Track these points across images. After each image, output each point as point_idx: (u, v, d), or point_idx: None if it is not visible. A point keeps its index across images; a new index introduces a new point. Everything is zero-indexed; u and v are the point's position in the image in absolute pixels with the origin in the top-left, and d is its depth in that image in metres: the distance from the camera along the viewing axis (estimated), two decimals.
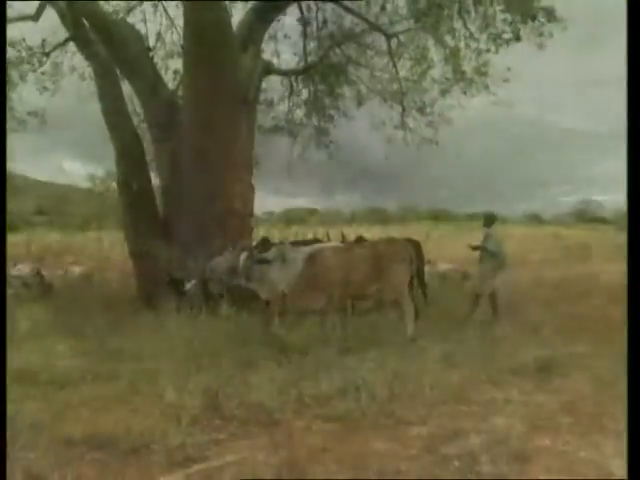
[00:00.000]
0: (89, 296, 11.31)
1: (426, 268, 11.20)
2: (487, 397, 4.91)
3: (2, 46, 6.75)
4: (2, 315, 4.99)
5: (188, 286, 8.95)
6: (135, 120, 12.35)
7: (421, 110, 14.71)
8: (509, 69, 12.31)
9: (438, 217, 50.89)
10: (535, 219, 62.99)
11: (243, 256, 8.43)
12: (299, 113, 15.89)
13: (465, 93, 13.19)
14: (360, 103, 14.91)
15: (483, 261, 9.10)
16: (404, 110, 14.88)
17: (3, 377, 4.25)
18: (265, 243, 10.00)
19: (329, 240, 10.26)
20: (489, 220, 9.41)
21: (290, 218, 51.92)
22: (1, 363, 4.26)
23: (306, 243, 10.12)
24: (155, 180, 11.67)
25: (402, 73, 14.29)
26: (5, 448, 3.66)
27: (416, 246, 8.57)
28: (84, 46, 11.22)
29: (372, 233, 33.89)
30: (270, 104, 15.49)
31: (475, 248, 9.22)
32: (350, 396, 4.86)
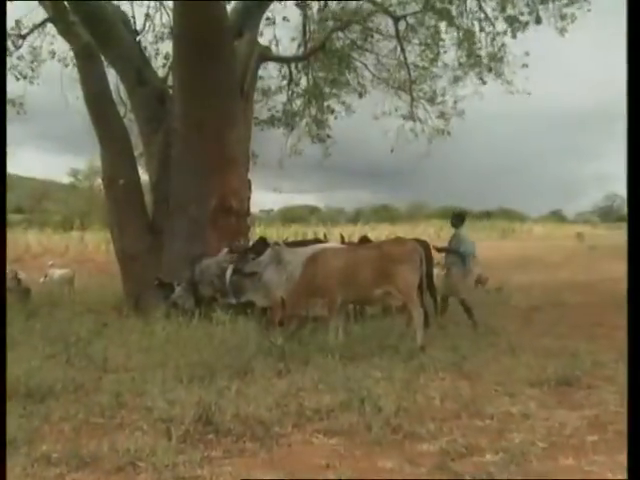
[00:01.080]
0: (71, 301, 11.35)
1: (435, 270, 11.21)
2: (503, 410, 4.91)
3: (2, 46, 6.92)
4: (2, 315, 5.39)
5: (178, 290, 8.97)
6: (121, 110, 12.39)
7: (431, 99, 14.77)
8: (527, 54, 12.31)
9: (449, 215, 50.79)
10: (557, 217, 63.01)
11: (229, 271, 8.46)
12: (298, 103, 15.92)
13: (480, 80, 13.18)
14: (365, 91, 14.92)
15: (451, 264, 9.05)
16: (413, 99, 14.93)
17: (3, 377, 4.40)
18: (261, 244, 10.03)
19: (327, 241, 10.27)
20: (458, 219, 9.43)
21: (289, 216, 52.06)
22: (1, 364, 4.41)
23: (304, 243, 10.14)
24: (143, 175, 11.70)
25: (411, 59, 14.33)
26: (5, 448, 3.73)
27: (425, 247, 8.58)
28: (64, 28, 11.19)
29: (378, 233, 34.04)
30: (266, 94, 15.52)
31: (440, 250, 9.20)
32: (354, 409, 4.85)
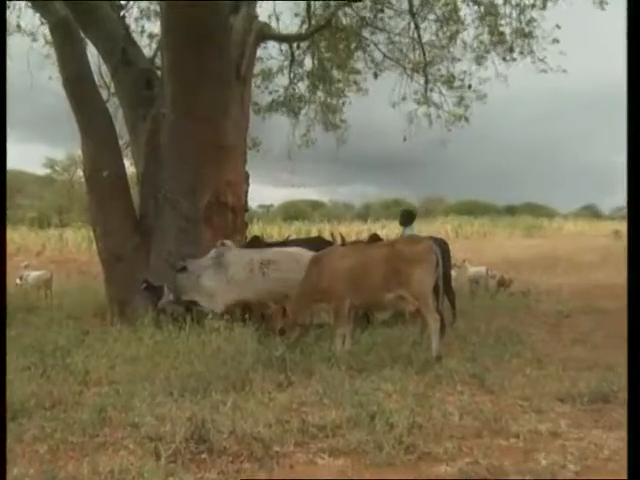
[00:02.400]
0: (48, 306, 11.38)
1: (453, 272, 11.21)
2: (529, 429, 4.89)
3: (2, 46, 7.18)
4: (2, 316, 5.70)
5: (168, 293, 8.98)
6: (104, 94, 12.40)
7: (449, 82, 14.72)
8: (558, 27, 12.16)
9: (470, 210, 50.74)
10: (591, 213, 62.78)
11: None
12: (302, 87, 15.93)
13: (505, 59, 13.09)
14: (376, 75, 14.91)
15: None
16: (428, 82, 14.90)
17: (3, 377, 4.54)
18: (255, 243, 10.06)
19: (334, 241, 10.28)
20: (407, 218, 9.44)
21: (291, 213, 52.08)
22: (1, 365, 4.56)
23: (285, 243, 10.23)
24: (129, 167, 11.71)
25: (426, 38, 14.29)
26: (5, 448, 3.91)
27: (442, 246, 8.58)
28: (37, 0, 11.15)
29: (389, 231, 33.98)
30: (267, 76, 15.53)
31: None
32: (363, 425, 4.85)
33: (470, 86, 14.19)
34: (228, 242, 9.04)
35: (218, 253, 8.84)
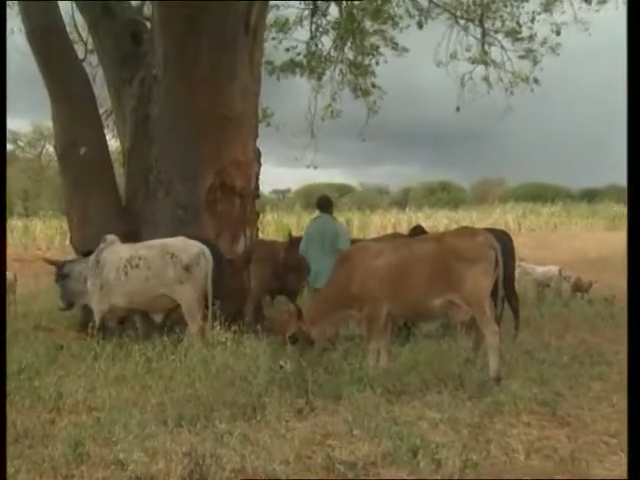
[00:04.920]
0: (12, 314, 11.46)
1: (517, 273, 11.12)
2: (617, 473, 4.86)
3: (2, 46, 7.39)
4: (2, 316, 6.35)
5: None
6: (80, 52, 12.44)
7: (513, 33, 14.51)
8: None
9: (537, 196, 50.20)
10: None
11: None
12: (326, 42, 15.86)
13: (586, 1, 12.81)
14: (420, 24, 14.78)
15: None
16: (485, 35, 14.74)
17: (3, 377, 4.88)
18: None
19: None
20: (324, 205, 9.52)
21: (312, 199, 51.91)
22: (1, 363, 4.88)
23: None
24: (113, 142, 11.74)
25: None
26: (5, 447, 4.19)
27: (503, 239, 8.51)
28: None
29: (436, 221, 33.79)
30: (284, 29, 15.50)
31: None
32: (403, 462, 4.86)
33: (532, 35, 13.96)
34: (110, 236, 9.01)
35: (98, 250, 8.96)
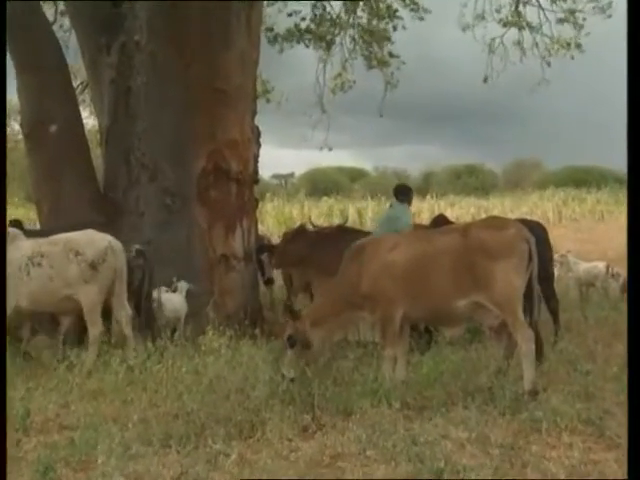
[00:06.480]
0: None
1: (556, 270, 11.06)
2: None
3: (2, 47, 7.45)
4: (2, 317, 6.86)
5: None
6: (50, 14, 12.37)
7: None
8: None
9: (580, 181, 49.99)
10: None
11: None
12: (335, 5, 15.79)
13: None
14: None
15: None
16: None
17: (3, 377, 5.09)
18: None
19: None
20: (401, 193, 9.97)
21: (319, 184, 52.02)
22: (1, 360, 5.26)
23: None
24: (89, 119, 11.69)
25: None
26: (5, 447, 4.39)
27: (538, 232, 8.47)
28: None
29: (462, 210, 33.73)
30: None
31: None
32: None
33: None
34: (12, 230, 8.93)
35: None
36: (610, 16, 13.84)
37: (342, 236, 9.56)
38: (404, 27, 15.47)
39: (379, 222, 10.02)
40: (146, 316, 8.97)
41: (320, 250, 9.77)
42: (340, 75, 16.23)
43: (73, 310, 8.66)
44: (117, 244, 8.63)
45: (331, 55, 16.16)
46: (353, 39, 16.00)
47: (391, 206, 10.17)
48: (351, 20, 15.79)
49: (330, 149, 18.12)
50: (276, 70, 16.00)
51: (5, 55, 7.57)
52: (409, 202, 10.03)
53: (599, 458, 5.51)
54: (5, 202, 6.73)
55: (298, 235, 10.45)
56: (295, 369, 7.17)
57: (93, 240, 8.58)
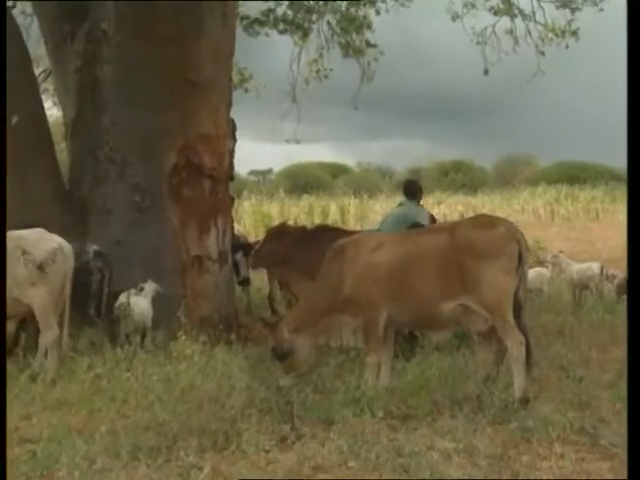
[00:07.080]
0: None
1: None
2: None
3: (2, 47, 7.49)
4: (2, 317, 7.27)
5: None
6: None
7: None
8: None
9: (574, 177, 50.22)
10: None
11: None
12: None
13: None
14: None
15: None
16: None
17: (3, 381, 5.33)
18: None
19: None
20: (410, 191, 9.94)
21: (299, 181, 52.12)
22: (1, 366, 5.53)
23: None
24: (52, 110, 11.62)
25: None
26: (5, 448, 4.64)
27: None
28: None
29: (449, 208, 33.86)
30: None
31: None
32: None
33: None
34: None
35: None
36: (602, 10, 13.95)
37: (323, 235, 9.59)
38: (387, 11, 15.42)
39: (385, 222, 9.76)
40: (108, 321, 8.95)
41: (301, 250, 9.78)
42: (315, 61, 16.17)
43: (19, 314, 8.62)
44: (67, 246, 8.58)
45: (307, 43, 16.13)
46: (330, 26, 15.96)
47: (401, 204, 10.06)
48: (328, 6, 15.73)
49: (298, 142, 18.13)
50: (251, 58, 15.96)
51: (5, 55, 7.66)
52: (419, 200, 9.99)
53: (592, 468, 5.54)
54: (5, 202, 6.85)
55: (279, 234, 10.46)
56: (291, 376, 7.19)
57: (42, 240, 8.51)
